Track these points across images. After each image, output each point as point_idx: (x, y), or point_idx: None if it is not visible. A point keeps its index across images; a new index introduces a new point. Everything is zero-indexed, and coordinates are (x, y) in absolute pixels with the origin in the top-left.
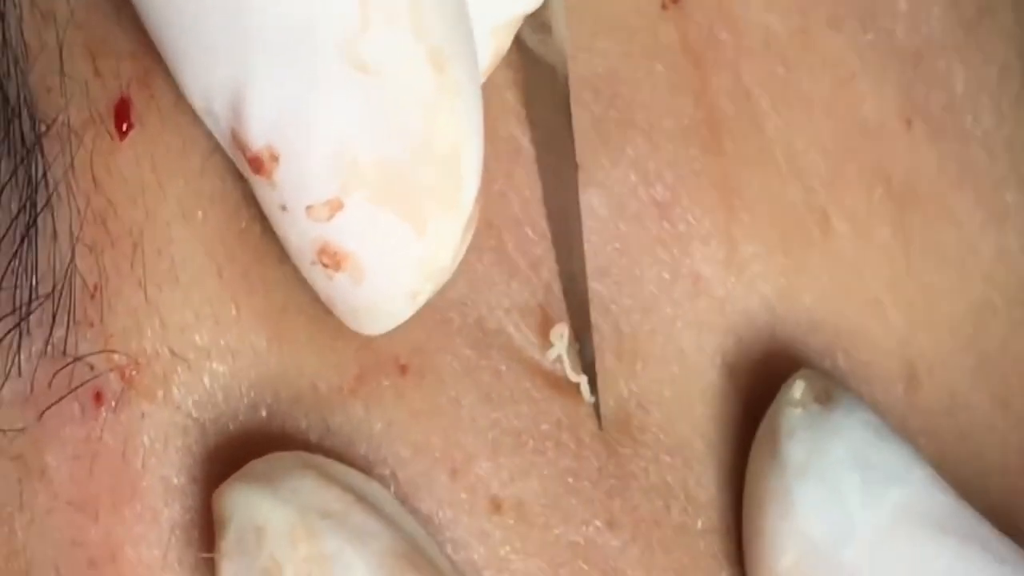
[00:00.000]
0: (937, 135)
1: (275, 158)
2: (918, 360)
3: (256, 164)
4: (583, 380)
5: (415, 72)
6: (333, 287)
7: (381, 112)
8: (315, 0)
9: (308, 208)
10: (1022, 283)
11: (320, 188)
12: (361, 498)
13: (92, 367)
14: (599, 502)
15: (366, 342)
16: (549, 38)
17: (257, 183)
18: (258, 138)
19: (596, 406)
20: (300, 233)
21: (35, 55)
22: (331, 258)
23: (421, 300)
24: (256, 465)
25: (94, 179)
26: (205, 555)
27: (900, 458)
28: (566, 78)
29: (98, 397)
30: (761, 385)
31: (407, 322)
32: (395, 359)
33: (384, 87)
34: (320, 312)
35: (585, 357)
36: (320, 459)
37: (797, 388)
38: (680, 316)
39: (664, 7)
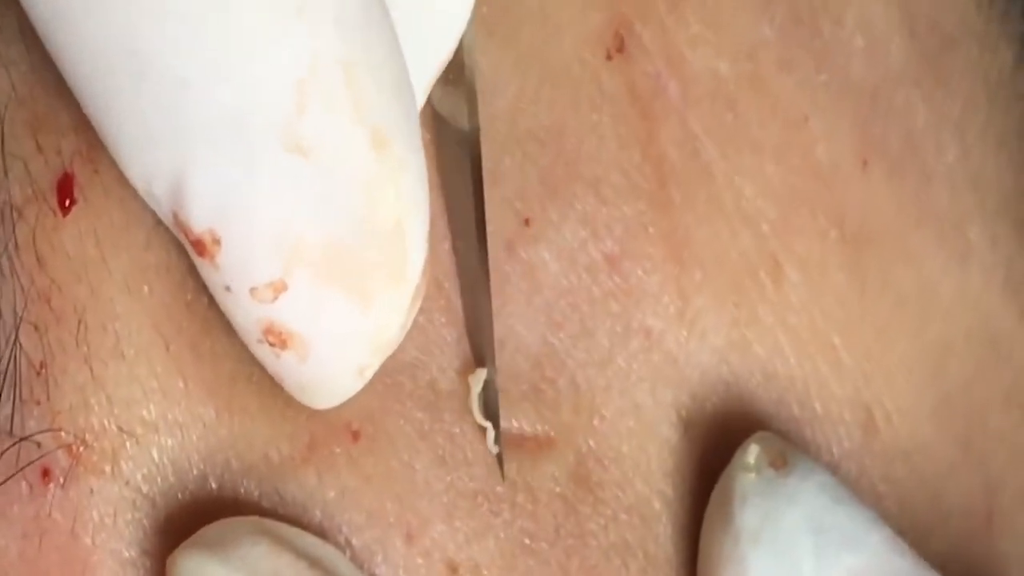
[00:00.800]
0: (895, 173)
1: (217, 241)
2: (875, 405)
3: (199, 247)
4: (488, 427)
5: (355, 153)
6: (280, 364)
7: (322, 193)
8: (250, 87)
9: (252, 290)
10: (984, 322)
11: (263, 270)
12: (315, 563)
13: (39, 445)
14: (557, 562)
15: (317, 411)
16: (455, 91)
17: (201, 264)
18: (200, 222)
19: (499, 457)
20: (245, 313)
21: None
22: (276, 337)
23: (368, 374)
24: (208, 531)
25: (37, 257)
26: None
27: (856, 522)
28: (475, 131)
29: (46, 474)
30: (717, 440)
31: (361, 389)
32: (347, 426)
33: (323, 169)
34: (270, 382)
35: (489, 404)
36: (274, 524)
37: (751, 452)
38: (634, 370)
39: (609, 57)
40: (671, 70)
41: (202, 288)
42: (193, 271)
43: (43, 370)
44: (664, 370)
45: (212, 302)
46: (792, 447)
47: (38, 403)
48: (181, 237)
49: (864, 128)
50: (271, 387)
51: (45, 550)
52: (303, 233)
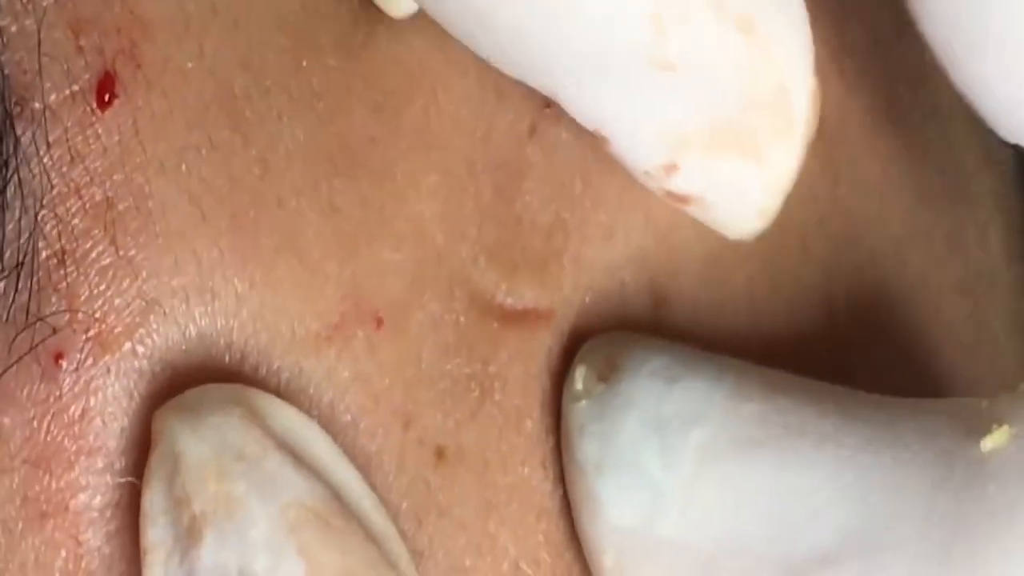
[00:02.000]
0: (865, 74)
1: (604, 138)
2: (838, 294)
3: None
4: None
5: (724, 48)
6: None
7: (699, 91)
8: (608, 25)
9: (644, 173)
10: (939, 217)
11: (653, 157)
12: (283, 444)
13: (55, 330)
14: (538, 440)
15: (350, 291)
16: None
17: None
18: (588, 122)
19: None
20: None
21: (11, 37)
22: (676, 199)
23: (770, 214)
24: (189, 395)
25: (71, 152)
26: (123, 479)
27: (696, 393)
28: None
29: (59, 357)
30: None
31: (389, 272)
32: (374, 312)
33: (697, 73)
34: (313, 257)
35: None
36: (257, 395)
37: (578, 377)
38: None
39: None
40: None
41: (252, 161)
42: (244, 144)
43: (64, 257)
44: (653, 250)
45: (264, 175)
46: (621, 344)
47: (56, 289)
48: None
49: (839, 28)
50: (312, 262)
51: (53, 430)
52: (686, 123)
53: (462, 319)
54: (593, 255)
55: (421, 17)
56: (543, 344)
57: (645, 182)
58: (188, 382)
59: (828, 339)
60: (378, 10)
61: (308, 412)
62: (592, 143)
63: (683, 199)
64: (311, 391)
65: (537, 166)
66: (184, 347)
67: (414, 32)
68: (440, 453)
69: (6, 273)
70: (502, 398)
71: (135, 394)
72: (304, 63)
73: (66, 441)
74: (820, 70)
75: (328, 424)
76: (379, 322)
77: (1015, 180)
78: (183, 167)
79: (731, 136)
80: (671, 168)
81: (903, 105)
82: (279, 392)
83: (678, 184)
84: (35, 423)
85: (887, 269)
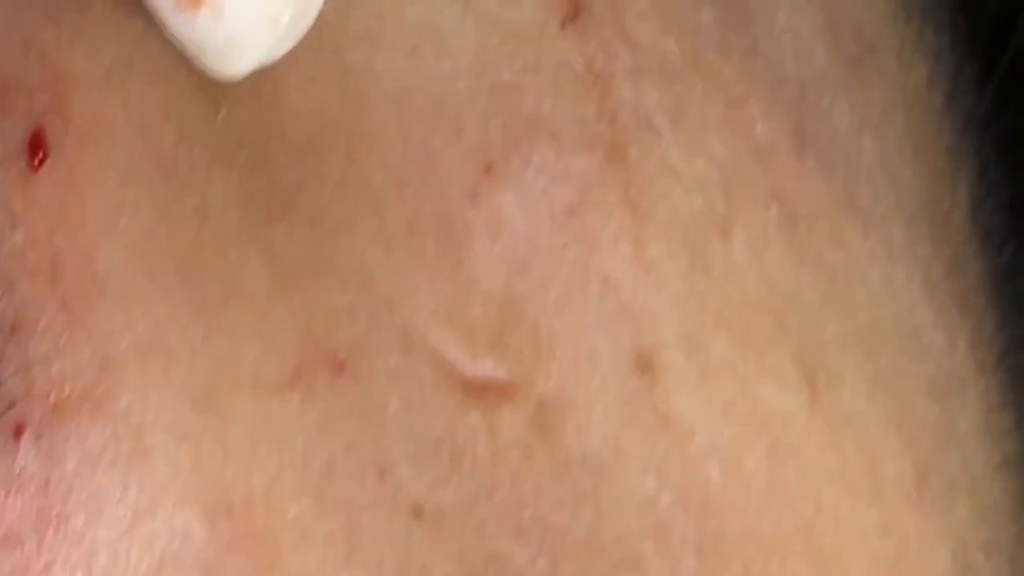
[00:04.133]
0: (827, 165)
1: None
2: (818, 370)
3: None
4: None
5: None
6: (197, 30)
7: None
8: None
9: None
10: (908, 314)
11: None
12: None
13: (12, 403)
14: (510, 513)
15: (306, 334)
16: None
17: None
18: None
19: None
20: None
21: None
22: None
23: (282, 26)
24: None
25: (11, 215)
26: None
27: None
28: None
29: (19, 430)
30: None
31: (341, 314)
32: (334, 355)
33: None
34: (261, 302)
35: None
36: None
37: None
38: (592, 316)
39: (563, 25)
40: (621, 40)
41: (189, 214)
42: (178, 199)
43: (15, 327)
44: (621, 316)
45: (201, 227)
46: None
47: (10, 361)
48: None
49: (797, 119)
50: (264, 307)
51: (18, 504)
52: None
53: (425, 377)
54: (551, 325)
55: (330, 66)
56: (508, 418)
57: None
58: (155, 441)
59: None
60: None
61: (280, 457)
62: (540, 213)
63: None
64: (283, 436)
65: (481, 234)
66: (143, 407)
67: (325, 82)
68: (418, 512)
69: None
70: (471, 470)
71: (102, 459)
72: (222, 113)
73: (33, 513)
74: (783, 153)
75: (303, 472)
76: (340, 366)
77: (983, 287)
78: (123, 223)
79: None
80: None
81: (867, 200)
82: (250, 439)
83: None
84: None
85: (857, 356)
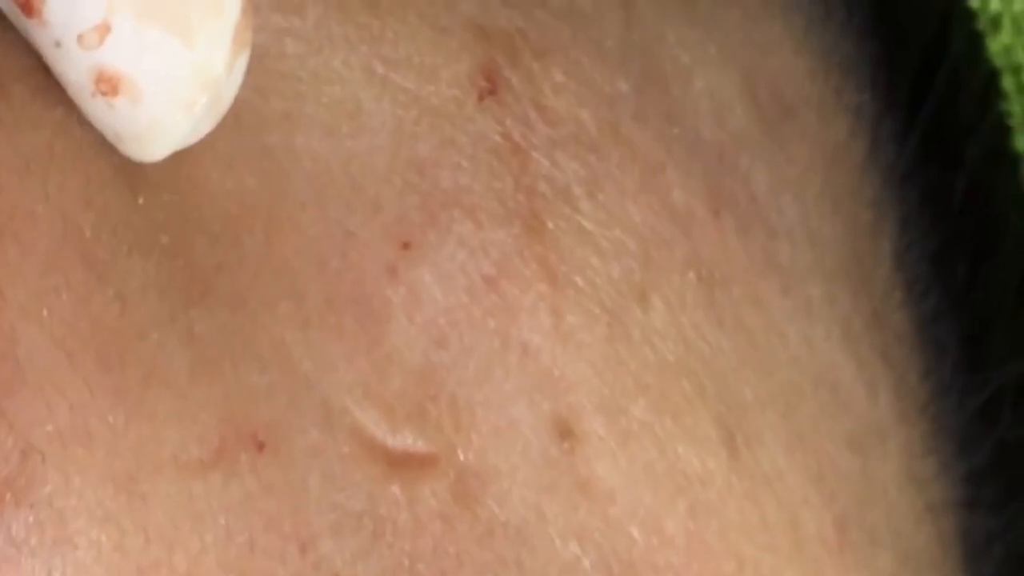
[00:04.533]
0: (744, 227)
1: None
2: (737, 430)
3: (27, 8)
4: None
5: None
6: (115, 116)
7: None
8: None
9: (79, 37)
10: (827, 371)
11: (87, 15)
12: None
13: None
14: None
15: (225, 415)
16: None
17: (31, 27)
18: None
19: None
20: (76, 65)
21: None
22: (108, 84)
23: (198, 111)
24: None
25: None
26: None
27: None
28: None
29: None
30: None
31: (260, 395)
32: (254, 435)
33: None
34: (181, 385)
35: None
36: None
37: None
38: (512, 385)
39: (481, 98)
40: (538, 113)
41: (110, 301)
42: (99, 285)
43: None
44: (541, 384)
45: (121, 314)
46: None
47: None
48: (7, 4)
49: (715, 182)
50: (183, 390)
51: None
52: None
53: (346, 451)
54: (471, 395)
55: (249, 147)
56: (429, 489)
57: (79, 70)
58: (79, 526)
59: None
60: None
61: (203, 536)
62: (459, 286)
63: (115, 83)
64: (205, 515)
65: (400, 309)
66: (66, 491)
67: (244, 163)
68: None
69: None
70: (393, 540)
71: (23, 548)
72: (141, 199)
73: None
74: (700, 217)
75: (225, 550)
76: (260, 445)
77: (906, 337)
78: (44, 312)
79: (162, 6)
80: (104, 29)
81: (786, 259)
82: (172, 519)
83: (110, 57)
84: None
85: (776, 416)
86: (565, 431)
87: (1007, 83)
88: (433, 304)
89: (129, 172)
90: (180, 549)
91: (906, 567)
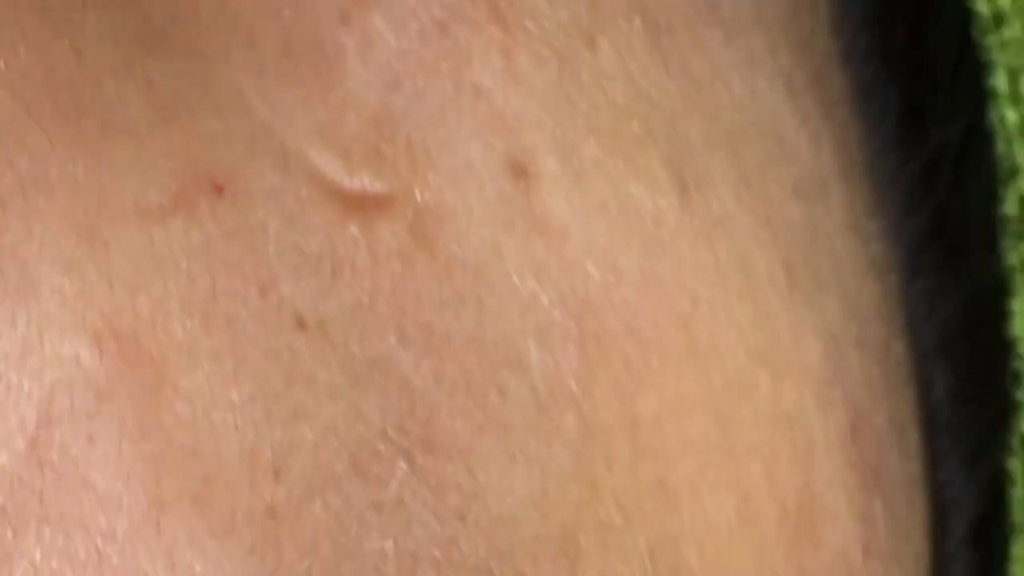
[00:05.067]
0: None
1: None
2: (686, 171)
3: None
4: None
5: None
6: None
7: None
8: None
9: None
10: (772, 119)
11: None
12: None
13: None
14: (392, 321)
15: (184, 161)
16: None
17: None
18: None
19: None
20: None
21: None
22: None
23: None
24: None
25: None
26: None
27: None
28: None
29: None
30: None
31: (219, 141)
32: (212, 179)
33: None
34: (139, 132)
35: None
36: None
37: None
38: (465, 126)
39: None
40: None
41: (66, 52)
42: (53, 40)
43: None
44: (494, 124)
45: (78, 63)
46: None
47: None
48: None
49: None
50: (141, 138)
51: None
52: None
53: (304, 193)
54: (426, 137)
55: None
56: (386, 229)
57: None
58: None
59: None
60: None
61: (165, 281)
62: (411, 30)
63: None
64: (167, 260)
65: (353, 53)
66: (29, 239)
67: None
68: (302, 324)
69: None
70: (352, 280)
71: None
72: None
73: None
74: None
75: (187, 294)
76: (219, 190)
77: (848, 100)
78: (1, 64)
79: None
80: None
81: (728, 12)
82: (134, 265)
83: None
84: None
85: (724, 155)
86: (519, 170)
87: None
88: (386, 48)
89: None
90: (143, 294)
91: (854, 317)
